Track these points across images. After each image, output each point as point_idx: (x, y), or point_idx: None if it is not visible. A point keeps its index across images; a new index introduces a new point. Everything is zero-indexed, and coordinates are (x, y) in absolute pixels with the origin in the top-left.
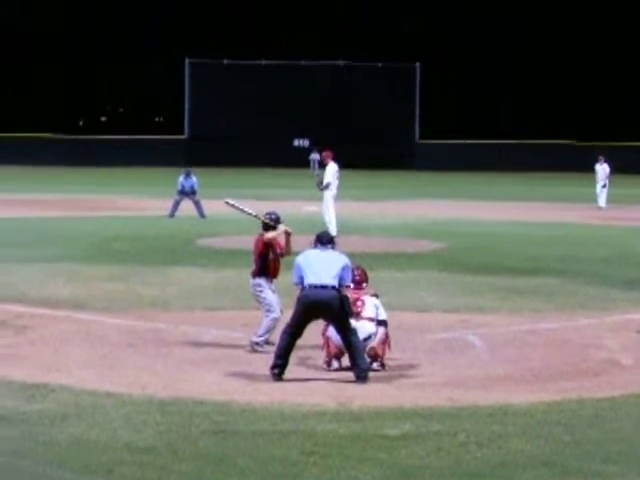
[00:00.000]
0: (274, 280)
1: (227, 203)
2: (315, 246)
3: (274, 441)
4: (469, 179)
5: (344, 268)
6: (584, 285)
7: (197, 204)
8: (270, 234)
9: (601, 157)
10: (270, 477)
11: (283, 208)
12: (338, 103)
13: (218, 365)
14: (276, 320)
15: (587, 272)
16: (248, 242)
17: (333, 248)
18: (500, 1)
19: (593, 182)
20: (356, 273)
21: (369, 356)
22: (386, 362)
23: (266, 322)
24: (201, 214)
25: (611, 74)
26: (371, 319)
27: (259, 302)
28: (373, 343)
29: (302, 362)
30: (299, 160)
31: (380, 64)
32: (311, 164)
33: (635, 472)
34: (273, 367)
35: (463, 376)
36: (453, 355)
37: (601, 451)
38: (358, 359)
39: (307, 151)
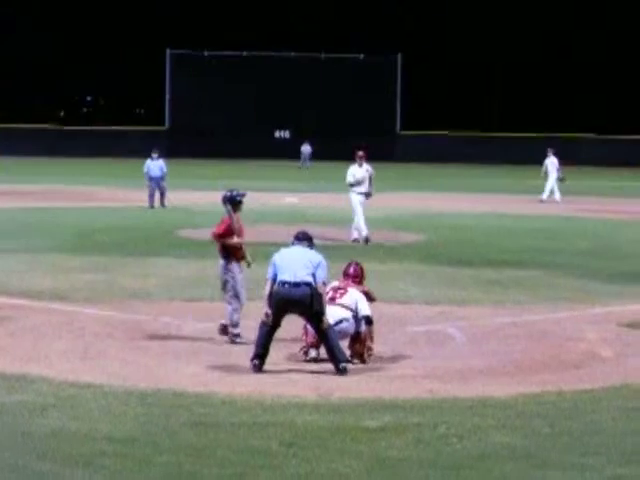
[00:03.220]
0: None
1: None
2: (293, 243)
3: (254, 432)
4: (450, 171)
5: (318, 266)
6: (565, 278)
7: (162, 193)
8: (226, 239)
9: (550, 150)
10: (250, 468)
11: (264, 199)
12: (319, 95)
13: (198, 356)
14: (240, 305)
15: (568, 265)
16: None
17: (311, 247)
18: None
19: (576, 175)
20: (353, 268)
21: (353, 353)
22: (366, 357)
23: (231, 310)
24: (162, 203)
25: (594, 67)
26: (345, 307)
27: (226, 282)
28: (365, 336)
29: (282, 354)
30: (280, 151)
31: (361, 56)
32: (302, 157)
33: (614, 464)
34: (253, 358)
35: (443, 368)
36: (433, 347)
37: (580, 443)
38: (336, 353)
39: (289, 142)
